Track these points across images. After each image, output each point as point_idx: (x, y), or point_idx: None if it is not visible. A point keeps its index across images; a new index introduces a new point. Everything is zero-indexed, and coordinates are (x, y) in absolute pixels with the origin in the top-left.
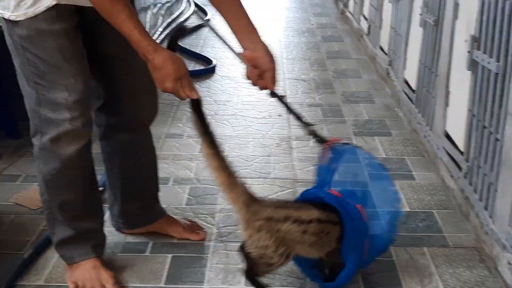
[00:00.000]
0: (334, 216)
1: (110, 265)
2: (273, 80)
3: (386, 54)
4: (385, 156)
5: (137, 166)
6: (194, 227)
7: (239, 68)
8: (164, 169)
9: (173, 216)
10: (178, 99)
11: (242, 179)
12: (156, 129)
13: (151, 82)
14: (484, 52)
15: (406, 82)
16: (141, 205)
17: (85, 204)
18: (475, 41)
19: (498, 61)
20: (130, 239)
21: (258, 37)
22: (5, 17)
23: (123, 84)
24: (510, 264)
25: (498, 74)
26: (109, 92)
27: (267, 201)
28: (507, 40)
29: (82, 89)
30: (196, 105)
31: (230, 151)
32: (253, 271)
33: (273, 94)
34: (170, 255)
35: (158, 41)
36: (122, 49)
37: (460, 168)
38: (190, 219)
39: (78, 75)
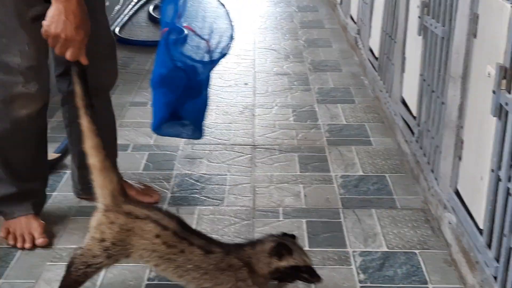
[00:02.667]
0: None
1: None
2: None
3: (355, 23)
4: (345, 122)
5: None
6: (147, 191)
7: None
8: (125, 136)
9: (127, 180)
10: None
11: (118, 168)
12: (121, 98)
13: (111, 47)
14: (433, 17)
15: (371, 50)
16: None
17: (31, 165)
18: (426, 7)
19: (443, 25)
20: (84, 203)
21: None
22: None
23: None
24: (450, 223)
25: (444, 38)
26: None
27: (133, 199)
28: (451, 5)
29: (35, 56)
30: (82, 74)
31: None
32: (70, 276)
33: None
34: None
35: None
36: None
37: (413, 133)
38: (145, 183)
39: (32, 43)
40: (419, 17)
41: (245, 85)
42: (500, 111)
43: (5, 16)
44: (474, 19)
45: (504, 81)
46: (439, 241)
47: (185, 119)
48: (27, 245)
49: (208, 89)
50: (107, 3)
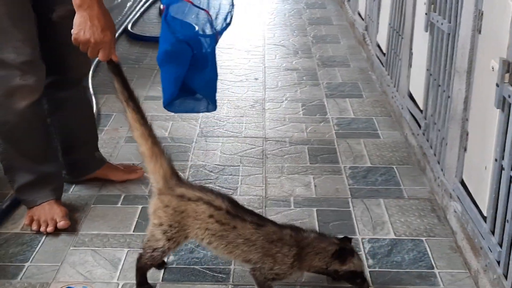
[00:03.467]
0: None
1: (80, 216)
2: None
3: (363, 19)
4: (354, 116)
5: (76, 120)
6: (132, 168)
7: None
8: None
9: (111, 162)
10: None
11: (167, 152)
12: (136, 92)
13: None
14: (439, 14)
15: (379, 46)
16: (82, 156)
17: (42, 150)
18: (432, 4)
19: (449, 22)
20: (104, 191)
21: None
22: None
23: (63, 47)
24: (455, 212)
25: (450, 34)
26: (48, 53)
27: (185, 181)
28: (457, 2)
29: (30, 52)
30: (117, 70)
31: (205, 113)
32: (141, 260)
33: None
34: (140, 206)
35: None
36: (69, 14)
37: (420, 126)
38: (126, 163)
39: (26, 40)
40: (426, 13)
41: (255, 80)
42: (503, 104)
43: None
44: (478, 15)
45: (507, 75)
46: (444, 229)
47: (197, 92)
48: (50, 228)
49: (215, 60)
50: (118, 0)
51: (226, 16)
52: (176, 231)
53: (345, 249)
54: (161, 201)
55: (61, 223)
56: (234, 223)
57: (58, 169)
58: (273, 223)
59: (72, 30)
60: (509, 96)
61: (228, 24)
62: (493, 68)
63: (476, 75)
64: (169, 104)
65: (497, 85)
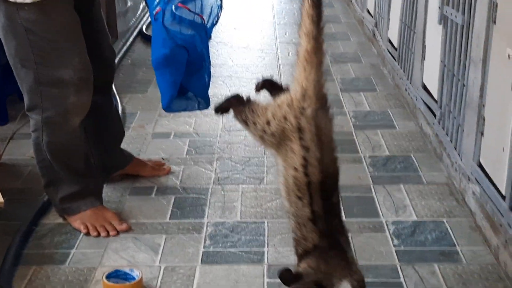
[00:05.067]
0: None
1: (117, 207)
2: None
3: (372, 16)
4: (369, 109)
5: (108, 123)
6: (159, 165)
7: (233, 34)
8: (165, 125)
9: (139, 158)
10: None
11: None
12: (156, 92)
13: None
14: (452, 7)
15: (390, 41)
16: (114, 155)
17: (87, 164)
18: None
19: (463, 14)
20: (137, 184)
21: None
22: (10, 0)
23: (100, 58)
24: (474, 193)
25: (464, 26)
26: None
27: (325, 113)
28: None
29: (85, 66)
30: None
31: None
32: (238, 106)
33: None
34: (173, 196)
35: None
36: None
37: (435, 115)
38: (155, 159)
39: (81, 53)
40: (439, 7)
41: (271, 77)
42: None
43: (50, 34)
44: (493, 7)
45: None
46: (463, 211)
47: (191, 92)
48: (113, 232)
49: (208, 59)
50: (130, 3)
51: (215, 16)
52: (273, 139)
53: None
54: (282, 111)
55: (123, 226)
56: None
57: (99, 178)
58: None
59: None
60: None
61: (216, 23)
62: (509, 55)
63: (492, 64)
64: (168, 106)
65: None
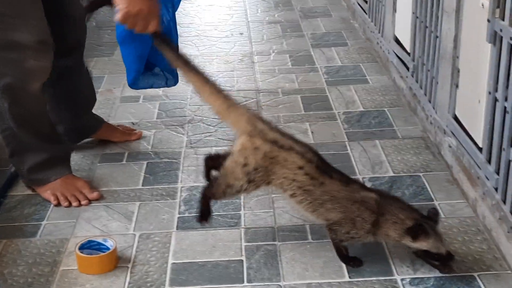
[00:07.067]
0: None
1: (87, 175)
2: None
3: None
4: (341, 64)
5: (79, 86)
6: (129, 130)
7: None
8: None
9: (109, 123)
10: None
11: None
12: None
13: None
14: None
15: None
16: (85, 120)
17: (54, 129)
18: None
19: None
20: (108, 150)
21: None
22: None
23: (61, 16)
24: (450, 146)
25: None
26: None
27: (274, 126)
28: None
29: (44, 30)
30: (164, 40)
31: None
32: (210, 188)
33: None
34: (145, 162)
35: None
36: None
37: (408, 68)
38: (124, 125)
39: (40, 18)
40: None
41: (240, 34)
42: (494, 38)
43: None
44: None
45: (498, 10)
46: (440, 164)
47: (158, 67)
48: (84, 202)
49: (176, 34)
50: None
51: None
52: (260, 176)
53: (421, 226)
54: (252, 143)
55: (94, 195)
56: (323, 179)
57: (67, 145)
58: (360, 184)
59: (118, 7)
60: (501, 30)
61: None
62: (482, 5)
63: (465, 14)
64: (134, 82)
65: (488, 20)
